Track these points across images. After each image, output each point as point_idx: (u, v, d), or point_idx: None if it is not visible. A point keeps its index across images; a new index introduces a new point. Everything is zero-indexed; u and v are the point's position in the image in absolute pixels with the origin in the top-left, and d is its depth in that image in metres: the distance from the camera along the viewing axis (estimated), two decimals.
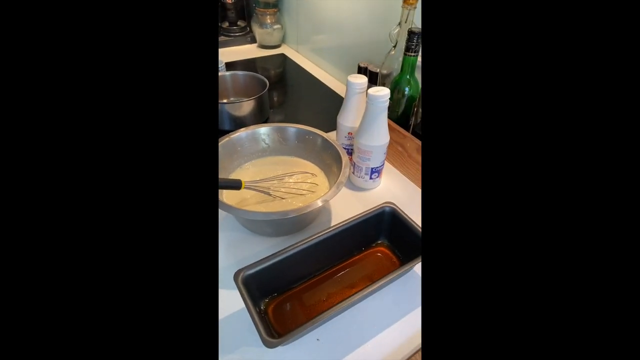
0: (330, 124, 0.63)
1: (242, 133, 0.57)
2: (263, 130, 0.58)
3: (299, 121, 0.59)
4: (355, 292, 0.38)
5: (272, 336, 0.34)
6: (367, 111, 0.53)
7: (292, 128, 0.59)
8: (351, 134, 0.60)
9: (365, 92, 0.55)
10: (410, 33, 0.56)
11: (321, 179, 0.57)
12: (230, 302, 0.42)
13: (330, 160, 0.55)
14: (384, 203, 0.48)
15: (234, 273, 0.38)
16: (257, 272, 0.39)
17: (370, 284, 0.39)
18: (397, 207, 0.48)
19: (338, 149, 0.54)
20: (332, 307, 0.37)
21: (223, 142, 0.55)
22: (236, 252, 0.48)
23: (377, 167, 0.58)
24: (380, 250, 0.50)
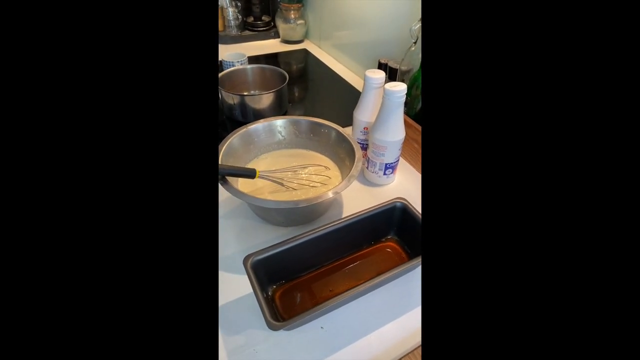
0: (348, 119, 0.63)
1: (258, 125, 0.58)
2: (279, 122, 0.59)
3: (317, 115, 0.60)
4: (361, 284, 0.38)
5: (277, 320, 0.35)
6: (383, 106, 0.53)
7: (306, 121, 0.59)
8: (367, 129, 0.60)
9: (382, 88, 0.55)
10: None
11: (334, 172, 0.57)
12: (240, 286, 0.43)
13: (344, 154, 0.56)
14: (395, 198, 0.48)
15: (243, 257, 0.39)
16: (266, 258, 0.40)
17: (376, 277, 0.39)
18: (408, 203, 0.48)
19: (352, 143, 0.54)
20: (336, 296, 0.37)
21: (240, 132, 0.56)
22: (248, 239, 0.50)
23: (392, 163, 0.58)
24: (390, 246, 0.50)
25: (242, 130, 0.56)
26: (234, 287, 0.43)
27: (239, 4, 1.12)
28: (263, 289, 0.40)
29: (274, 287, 0.43)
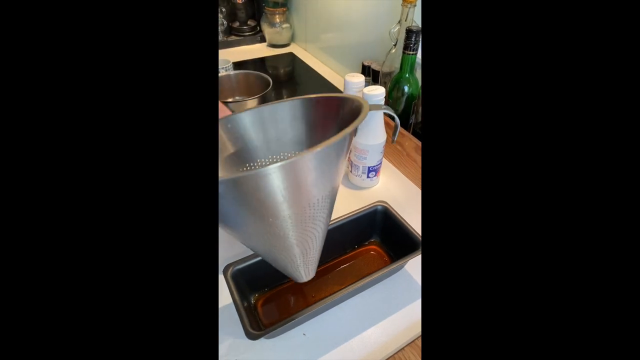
0: None
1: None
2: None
3: None
4: (342, 289, 0.39)
5: (259, 329, 0.35)
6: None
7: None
8: None
9: (362, 90, 0.55)
10: (409, 31, 0.55)
11: None
12: (222, 296, 0.43)
13: None
14: (376, 202, 0.49)
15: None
16: (247, 266, 0.41)
17: (356, 282, 0.39)
18: (389, 206, 0.48)
19: None
20: (317, 302, 0.37)
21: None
22: (233, 247, 0.50)
23: (374, 166, 0.58)
24: (373, 249, 0.50)
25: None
26: (220, 294, 0.43)
27: (223, 9, 1.12)
28: (245, 297, 0.40)
29: (256, 295, 0.44)
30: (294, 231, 0.29)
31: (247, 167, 0.36)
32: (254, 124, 0.35)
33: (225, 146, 0.35)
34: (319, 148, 0.24)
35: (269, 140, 0.35)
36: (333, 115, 0.33)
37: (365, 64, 0.79)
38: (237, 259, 0.41)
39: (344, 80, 0.56)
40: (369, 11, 0.80)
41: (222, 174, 0.34)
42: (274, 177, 0.24)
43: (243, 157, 0.35)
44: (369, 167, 0.58)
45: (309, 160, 0.25)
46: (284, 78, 1.02)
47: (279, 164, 0.24)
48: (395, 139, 0.40)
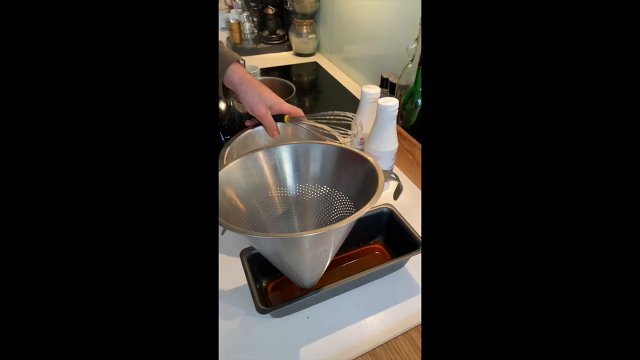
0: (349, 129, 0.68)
1: (260, 127, 0.59)
2: (280, 124, 0.59)
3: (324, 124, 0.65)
4: (344, 278, 0.43)
5: (266, 305, 0.40)
6: (377, 119, 0.57)
7: (304, 126, 0.59)
8: (363, 139, 0.64)
9: (377, 101, 0.59)
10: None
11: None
12: (238, 276, 0.48)
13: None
14: (383, 204, 0.52)
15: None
16: (258, 252, 0.45)
17: (358, 273, 0.43)
18: (394, 208, 0.52)
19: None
20: (321, 288, 0.42)
21: (243, 134, 0.58)
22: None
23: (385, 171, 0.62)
24: (377, 248, 0.54)
25: (245, 132, 0.59)
26: (233, 277, 0.48)
27: (255, 19, 1.19)
28: (257, 280, 0.45)
29: (267, 280, 0.48)
30: (309, 263, 0.37)
31: (279, 190, 0.43)
32: (290, 156, 0.42)
33: (264, 170, 0.41)
34: (343, 224, 0.32)
35: (299, 171, 0.42)
36: (352, 166, 0.40)
37: (384, 76, 0.83)
38: (251, 246, 0.45)
39: (361, 90, 0.61)
40: (390, 27, 0.84)
41: (257, 198, 0.41)
42: (306, 239, 0.34)
43: (276, 180, 0.42)
44: None
45: (335, 231, 0.34)
46: (307, 85, 1.08)
47: (312, 233, 0.33)
48: (398, 197, 0.45)
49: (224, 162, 0.55)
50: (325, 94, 1.03)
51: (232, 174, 0.39)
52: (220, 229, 0.34)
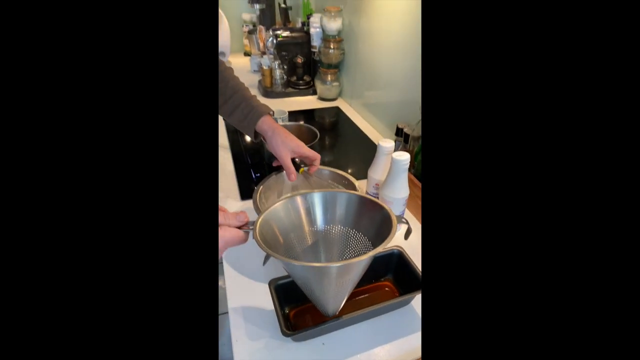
0: (365, 174, 0.76)
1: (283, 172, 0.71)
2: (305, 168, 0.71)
3: (340, 167, 0.75)
4: (357, 310, 0.49)
5: (288, 329, 0.47)
6: (391, 169, 0.66)
7: (327, 172, 0.73)
8: (378, 185, 0.73)
9: (391, 154, 0.68)
10: None
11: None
12: (265, 303, 0.55)
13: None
14: (394, 246, 0.60)
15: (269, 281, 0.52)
16: (285, 283, 0.53)
17: (370, 306, 0.50)
18: (404, 250, 0.59)
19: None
20: (338, 317, 0.48)
21: (273, 176, 0.72)
22: (277, 267, 0.62)
23: (397, 216, 0.69)
24: (387, 285, 0.60)
25: (273, 176, 0.72)
26: (261, 303, 0.55)
27: (285, 67, 1.33)
28: (282, 307, 0.52)
29: (291, 306, 0.55)
30: (332, 292, 0.45)
31: (310, 227, 0.52)
32: (319, 201, 0.51)
33: (300, 211, 0.51)
34: (364, 257, 0.41)
35: (327, 213, 0.52)
36: (371, 212, 0.49)
37: (399, 126, 0.93)
38: (279, 276, 0.53)
39: (378, 143, 0.70)
40: (407, 78, 0.95)
41: (293, 232, 0.50)
42: (334, 269, 0.42)
43: (309, 219, 0.52)
44: None
45: (357, 264, 0.42)
46: (328, 127, 1.18)
47: (339, 264, 0.43)
48: (408, 238, 0.52)
49: (257, 198, 0.65)
50: (343, 137, 1.13)
51: (277, 212, 0.48)
52: (263, 257, 0.42)
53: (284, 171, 0.69)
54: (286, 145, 0.66)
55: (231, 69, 0.70)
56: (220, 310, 1.27)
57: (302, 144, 0.68)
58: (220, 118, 1.08)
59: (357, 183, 0.71)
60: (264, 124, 0.66)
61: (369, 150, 1.03)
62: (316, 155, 0.68)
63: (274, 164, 0.70)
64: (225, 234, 0.40)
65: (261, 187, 0.69)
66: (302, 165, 0.69)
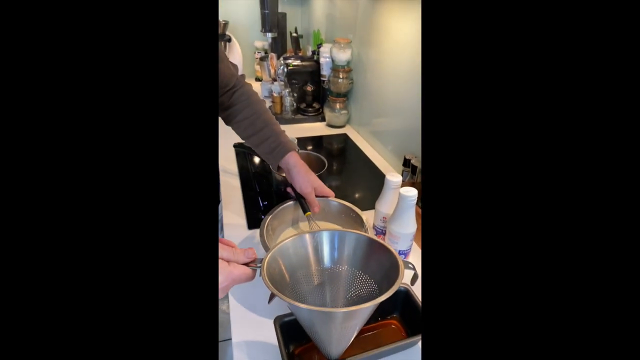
0: (372, 204, 0.77)
1: (291, 203, 0.74)
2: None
3: (347, 195, 0.76)
4: (363, 352, 0.49)
5: None
6: (398, 204, 0.66)
7: (335, 203, 0.75)
8: (385, 218, 0.73)
9: (399, 188, 0.68)
10: None
11: None
12: (271, 338, 0.55)
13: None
14: (401, 284, 0.59)
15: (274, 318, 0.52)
16: (290, 320, 0.53)
17: (376, 348, 0.49)
18: (411, 288, 0.58)
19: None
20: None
21: (286, 205, 0.74)
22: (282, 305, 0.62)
23: (404, 250, 0.69)
24: (394, 323, 0.60)
25: (282, 207, 0.74)
26: (267, 336, 0.55)
27: (295, 94, 1.37)
28: (286, 344, 0.52)
29: (296, 344, 0.55)
30: (336, 335, 0.45)
31: (318, 267, 0.52)
32: (328, 240, 0.52)
33: (308, 249, 0.51)
34: (369, 305, 0.40)
35: (334, 252, 0.52)
36: (378, 255, 0.50)
37: (407, 157, 0.94)
38: (285, 314, 0.53)
39: (385, 178, 0.71)
40: (414, 107, 0.96)
41: (301, 271, 0.50)
42: (338, 314, 0.42)
43: (316, 258, 0.52)
44: (399, 250, 0.69)
45: (363, 310, 0.42)
46: (336, 153, 1.20)
47: (344, 310, 0.41)
48: (414, 284, 0.53)
49: (265, 227, 0.67)
50: (352, 165, 1.14)
51: (286, 249, 0.48)
52: (268, 292, 0.42)
53: (293, 201, 0.74)
54: (311, 183, 0.72)
55: (264, 102, 0.77)
56: (224, 336, 1.26)
57: (322, 183, 0.75)
58: (230, 145, 1.11)
59: (364, 216, 0.71)
60: (290, 159, 0.73)
61: (376, 178, 1.04)
62: (331, 193, 0.75)
63: (288, 190, 0.75)
64: (234, 270, 0.41)
65: (269, 217, 0.70)
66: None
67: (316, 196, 0.73)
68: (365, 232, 0.67)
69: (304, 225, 0.76)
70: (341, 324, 0.42)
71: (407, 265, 0.49)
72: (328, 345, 0.46)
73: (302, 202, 0.73)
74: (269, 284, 0.40)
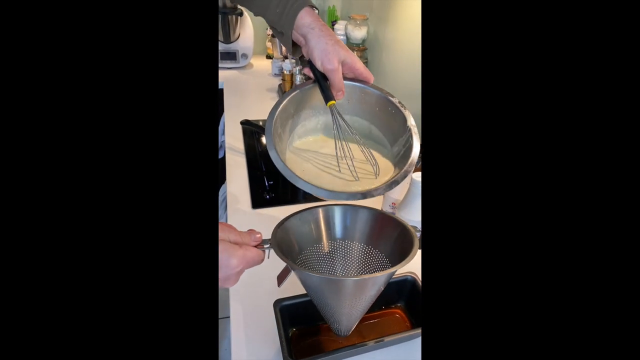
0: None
1: (309, 87, 0.49)
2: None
3: None
4: (364, 342, 0.47)
5: (291, 357, 0.45)
6: (409, 191, 0.63)
7: (371, 90, 0.51)
8: (394, 204, 0.70)
9: (410, 175, 0.65)
10: None
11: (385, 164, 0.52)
12: (270, 322, 0.53)
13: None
14: (407, 272, 0.56)
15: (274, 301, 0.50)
16: (291, 304, 0.51)
17: (377, 339, 0.47)
18: (418, 278, 0.56)
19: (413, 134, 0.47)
20: (342, 348, 0.46)
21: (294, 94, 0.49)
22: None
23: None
24: (398, 312, 0.57)
25: (293, 94, 0.48)
26: (266, 320, 0.54)
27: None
28: (285, 330, 0.50)
29: (294, 329, 0.53)
30: (347, 308, 0.43)
31: (329, 241, 0.50)
32: (339, 214, 0.50)
33: (321, 223, 0.50)
34: (382, 273, 0.39)
35: (344, 227, 0.50)
36: (392, 231, 0.48)
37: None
38: (284, 297, 0.51)
39: None
40: None
41: (311, 244, 0.49)
42: (350, 282, 0.41)
43: (328, 232, 0.50)
44: None
45: (376, 279, 0.40)
46: None
47: (356, 278, 0.41)
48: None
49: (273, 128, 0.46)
50: None
51: (294, 224, 0.47)
52: (268, 275, 0.40)
53: (306, 86, 0.49)
54: (337, 54, 0.44)
55: None
56: (222, 314, 1.27)
57: (356, 57, 0.47)
58: (237, 124, 1.07)
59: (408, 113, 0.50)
60: (305, 18, 0.45)
61: None
62: (370, 75, 0.49)
63: (305, 72, 0.50)
64: (247, 253, 0.38)
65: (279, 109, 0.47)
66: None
67: (347, 79, 0.48)
68: (409, 134, 0.49)
69: (325, 120, 0.52)
70: (353, 294, 0.40)
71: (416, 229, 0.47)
72: (339, 318, 0.44)
73: (323, 85, 0.47)
74: (282, 255, 0.39)
